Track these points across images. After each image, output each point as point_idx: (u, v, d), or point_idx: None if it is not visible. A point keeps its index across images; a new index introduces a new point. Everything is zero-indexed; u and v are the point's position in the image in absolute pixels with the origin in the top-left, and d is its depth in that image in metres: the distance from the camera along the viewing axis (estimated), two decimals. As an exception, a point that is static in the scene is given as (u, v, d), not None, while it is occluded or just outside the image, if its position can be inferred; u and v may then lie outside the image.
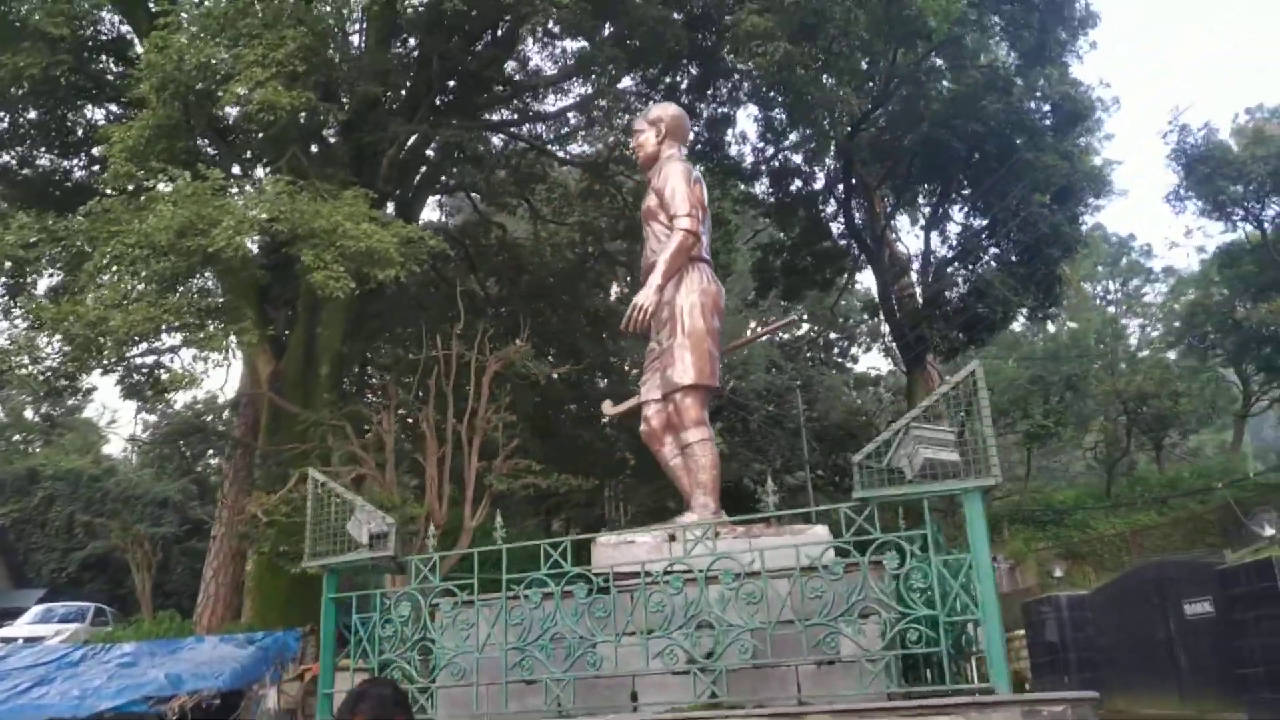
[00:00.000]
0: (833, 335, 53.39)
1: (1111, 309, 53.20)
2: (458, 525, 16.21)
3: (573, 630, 5.30)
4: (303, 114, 13.04)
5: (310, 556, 6.69)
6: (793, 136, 28.07)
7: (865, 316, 53.24)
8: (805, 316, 47.44)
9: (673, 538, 5.93)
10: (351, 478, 14.91)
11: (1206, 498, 29.37)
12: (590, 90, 25.14)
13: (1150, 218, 74.03)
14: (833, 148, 28.22)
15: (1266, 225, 26.66)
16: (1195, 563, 18.55)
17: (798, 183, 30.31)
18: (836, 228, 30.65)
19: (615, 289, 32.89)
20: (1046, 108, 24.68)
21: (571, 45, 23.95)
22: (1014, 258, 26.47)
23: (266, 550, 13.05)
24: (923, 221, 29.91)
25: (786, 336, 48.81)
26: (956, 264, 27.51)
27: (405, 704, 3.69)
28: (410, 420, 16.48)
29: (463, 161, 18.39)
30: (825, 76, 23.20)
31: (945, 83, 25.61)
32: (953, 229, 28.68)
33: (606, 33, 19.01)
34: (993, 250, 27.02)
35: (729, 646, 4.90)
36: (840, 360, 52.63)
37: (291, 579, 18.69)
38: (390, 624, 5.92)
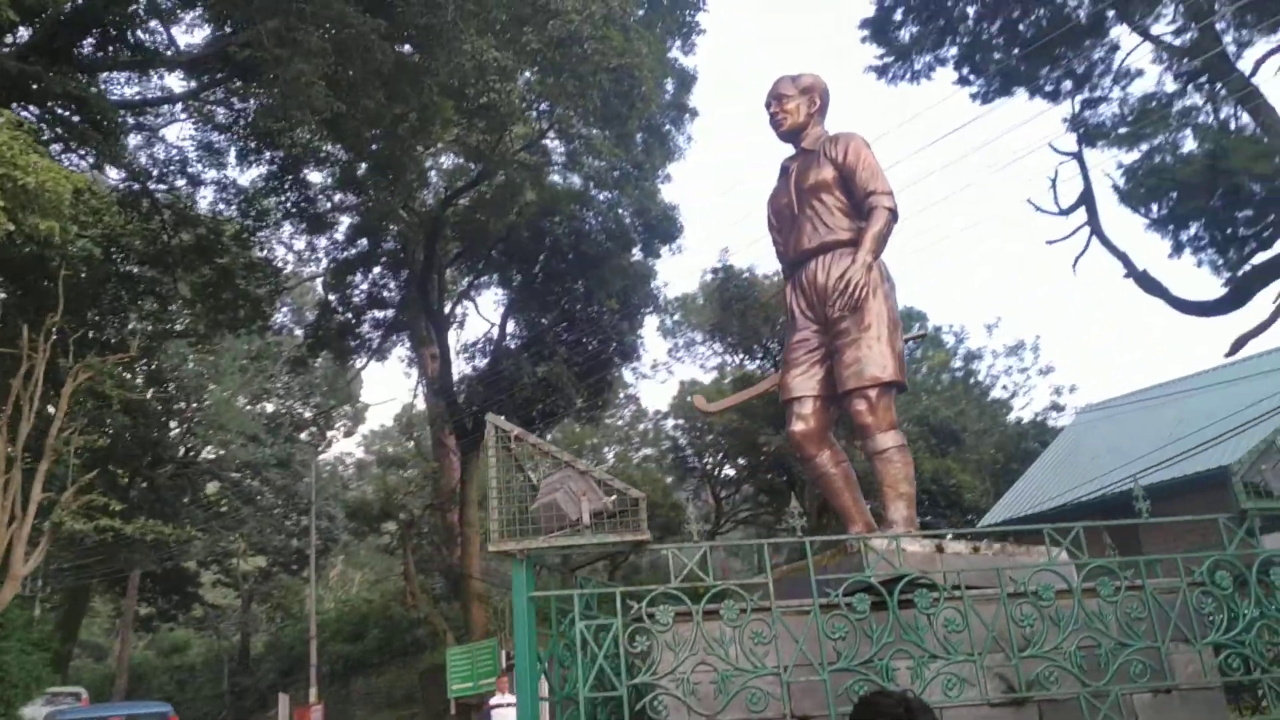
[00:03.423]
0: (306, 414, 51.26)
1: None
2: None
3: (919, 648, 4.11)
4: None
5: (502, 535, 4.54)
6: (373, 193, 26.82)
7: (351, 402, 51.89)
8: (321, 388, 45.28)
9: (940, 548, 5.01)
10: None
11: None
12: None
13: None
14: (404, 215, 27.50)
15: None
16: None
17: (363, 242, 28.86)
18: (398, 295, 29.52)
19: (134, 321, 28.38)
20: (637, 221, 26.19)
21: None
22: (580, 357, 27.39)
23: None
24: (501, 307, 29.99)
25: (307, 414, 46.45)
26: (527, 354, 27.71)
27: None
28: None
29: (81, 124, 14.63)
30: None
31: (546, 176, 26.23)
32: (528, 317, 28.96)
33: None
34: (561, 348, 27.68)
35: (1118, 663, 4.05)
36: (310, 440, 50.58)
37: None
38: (645, 634, 4.15)
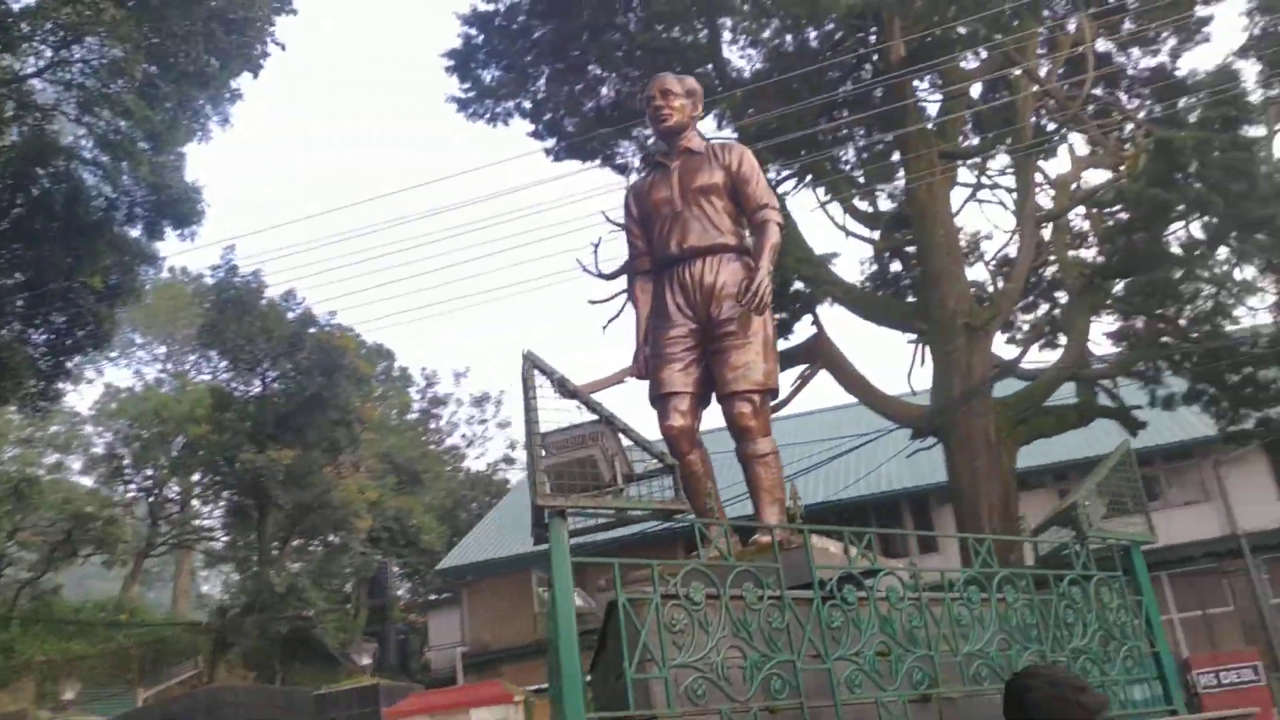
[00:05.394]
0: None
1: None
2: None
3: (894, 641, 3.99)
4: None
5: (545, 491, 3.33)
6: None
7: None
8: None
9: (846, 550, 4.79)
10: None
11: (130, 632, 28.58)
12: None
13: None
14: None
15: (270, 383, 28.88)
16: (265, 688, 18.30)
17: None
18: None
19: None
20: (150, 195, 23.18)
21: None
22: (43, 335, 23.57)
23: None
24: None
25: None
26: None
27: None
28: None
29: None
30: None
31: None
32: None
33: None
34: (16, 322, 23.49)
35: (1021, 662, 4.27)
36: None
37: None
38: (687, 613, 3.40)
